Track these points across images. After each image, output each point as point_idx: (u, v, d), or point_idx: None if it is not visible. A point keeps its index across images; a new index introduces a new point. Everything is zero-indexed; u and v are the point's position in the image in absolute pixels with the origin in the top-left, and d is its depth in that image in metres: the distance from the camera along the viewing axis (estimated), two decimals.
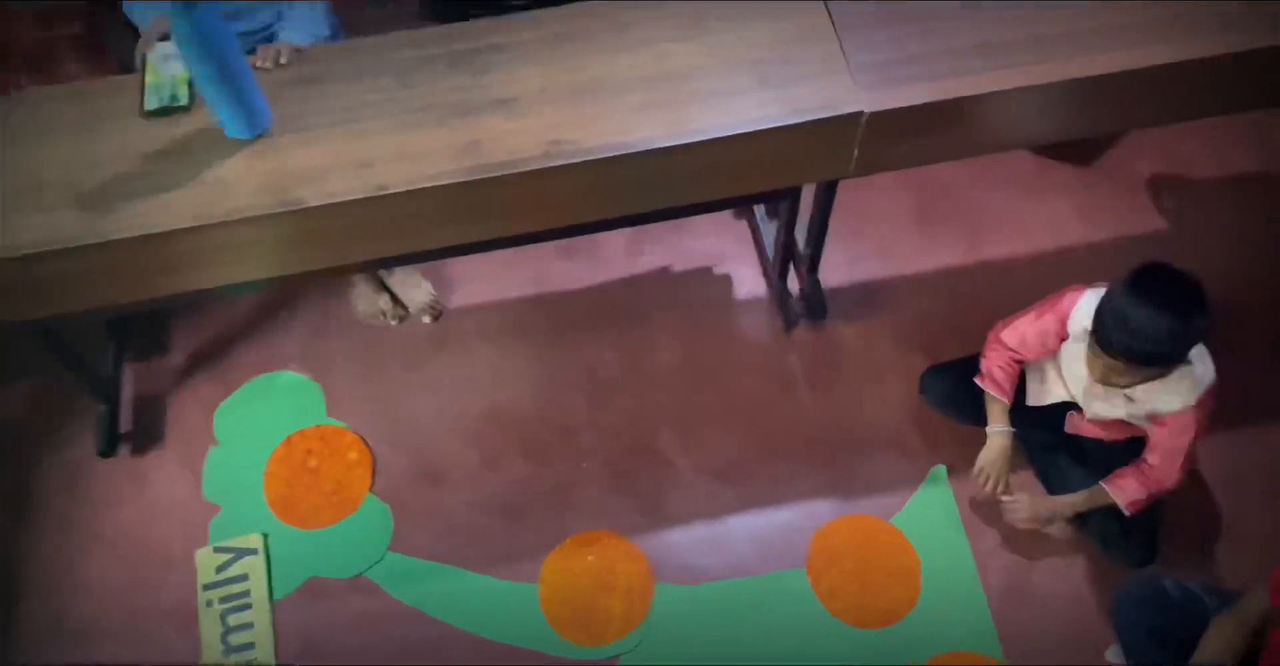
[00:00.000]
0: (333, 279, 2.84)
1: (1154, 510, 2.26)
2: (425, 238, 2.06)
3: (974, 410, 2.42)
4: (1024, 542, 2.49)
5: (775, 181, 2.20)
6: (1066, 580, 2.43)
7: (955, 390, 2.49)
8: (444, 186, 1.86)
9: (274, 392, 2.74)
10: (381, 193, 1.84)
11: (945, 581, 2.43)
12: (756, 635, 2.36)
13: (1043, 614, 2.39)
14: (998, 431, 2.32)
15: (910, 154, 2.12)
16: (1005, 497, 2.34)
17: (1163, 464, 2.13)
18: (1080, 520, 2.38)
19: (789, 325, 2.84)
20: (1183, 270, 1.92)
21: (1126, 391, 2.08)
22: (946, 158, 2.31)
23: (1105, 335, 1.92)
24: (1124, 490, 2.17)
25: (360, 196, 1.84)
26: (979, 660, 2.31)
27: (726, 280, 2.93)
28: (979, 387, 2.35)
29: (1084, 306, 2.10)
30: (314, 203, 1.84)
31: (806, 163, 2.09)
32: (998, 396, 2.31)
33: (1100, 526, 2.33)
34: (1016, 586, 2.43)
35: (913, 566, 2.45)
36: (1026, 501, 2.33)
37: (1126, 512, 2.19)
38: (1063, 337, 2.18)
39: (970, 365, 2.43)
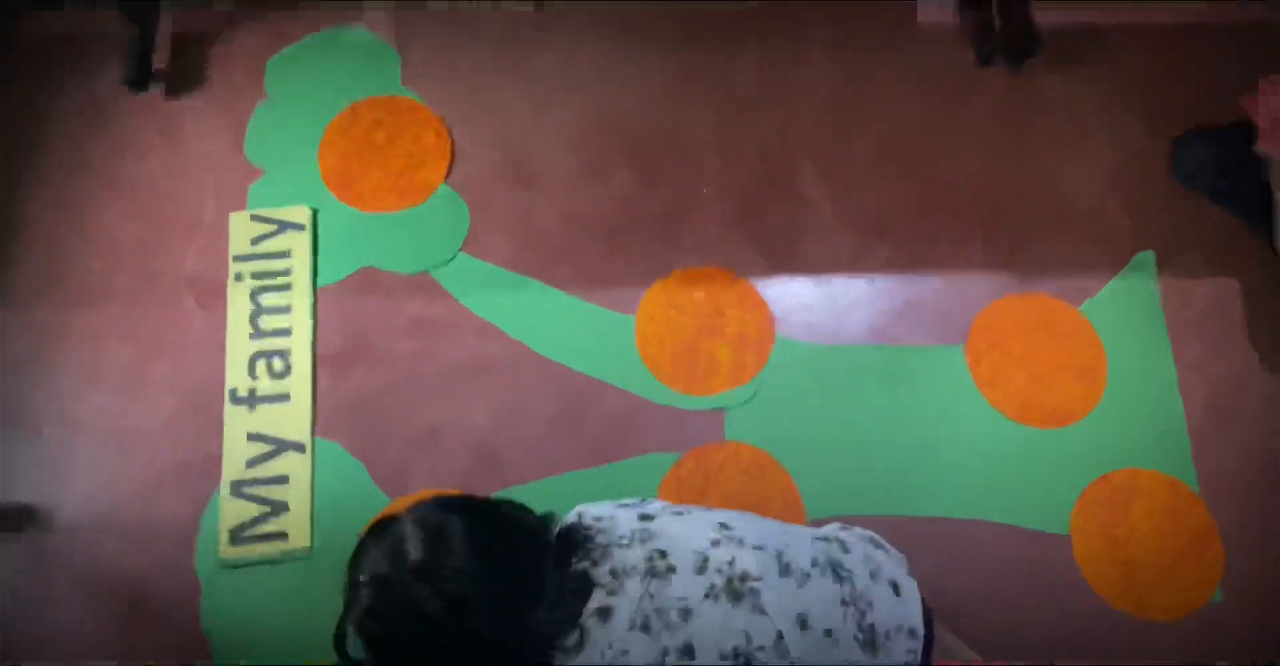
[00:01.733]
0: None
1: None
2: None
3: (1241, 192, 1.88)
4: (1239, 356, 2.01)
5: None
6: None
7: (1218, 161, 1.94)
8: None
9: (340, 50, 2.22)
10: None
11: (1136, 386, 1.96)
12: (890, 413, 1.93)
13: (1247, 445, 1.94)
14: None
15: None
16: None
17: None
18: None
19: (982, 61, 2.25)
20: None
21: None
22: None
23: None
24: None
25: None
26: (1164, 481, 1.88)
27: None
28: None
29: None
30: None
31: None
32: None
33: None
34: (1223, 407, 1.96)
35: (1097, 363, 1.98)
36: None
37: None
38: None
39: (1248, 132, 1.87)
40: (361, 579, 1.05)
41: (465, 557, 1.01)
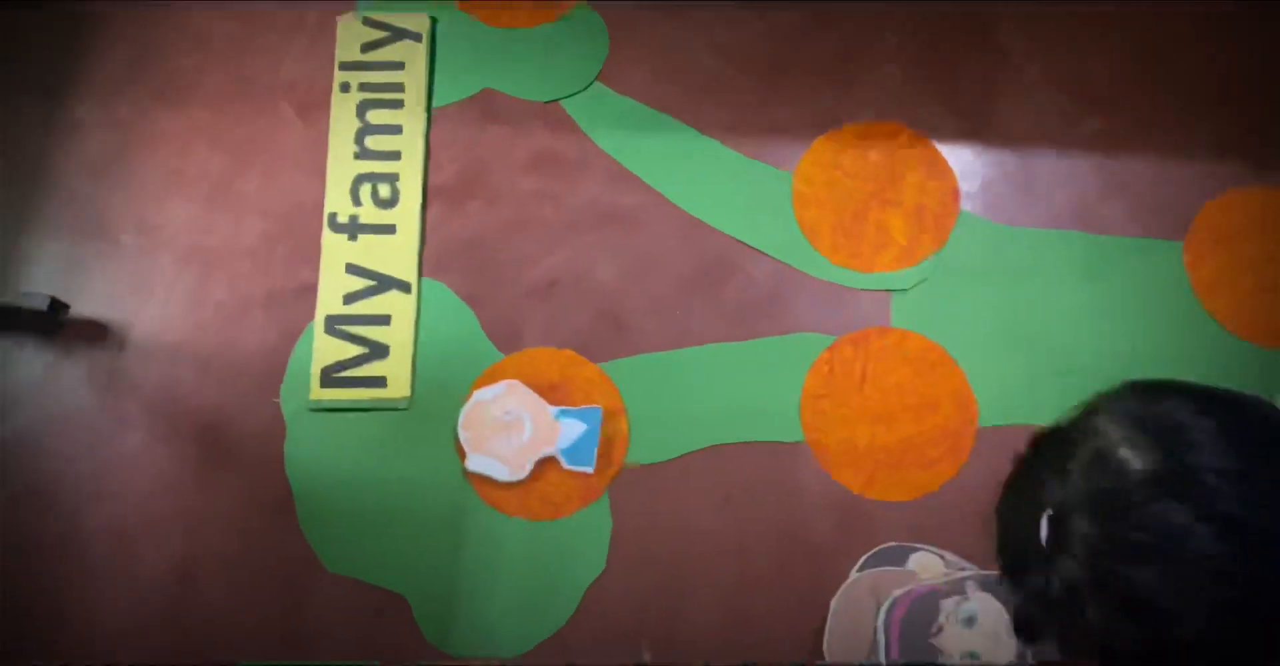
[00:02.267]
0: None
1: None
2: None
3: None
4: None
5: None
6: None
7: None
8: None
9: None
10: None
11: None
12: (1086, 312, 1.64)
13: None
14: None
15: None
16: None
17: None
18: None
19: None
20: None
21: None
22: None
23: None
24: None
25: None
26: None
27: None
28: None
29: None
30: None
31: None
32: None
33: None
34: None
35: None
36: None
37: None
38: None
39: None
40: (1051, 513, 0.68)
41: (1230, 465, 0.62)
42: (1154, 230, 1.69)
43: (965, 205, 1.70)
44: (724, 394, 1.61)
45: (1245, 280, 1.65)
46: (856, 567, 1.51)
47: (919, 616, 1.37)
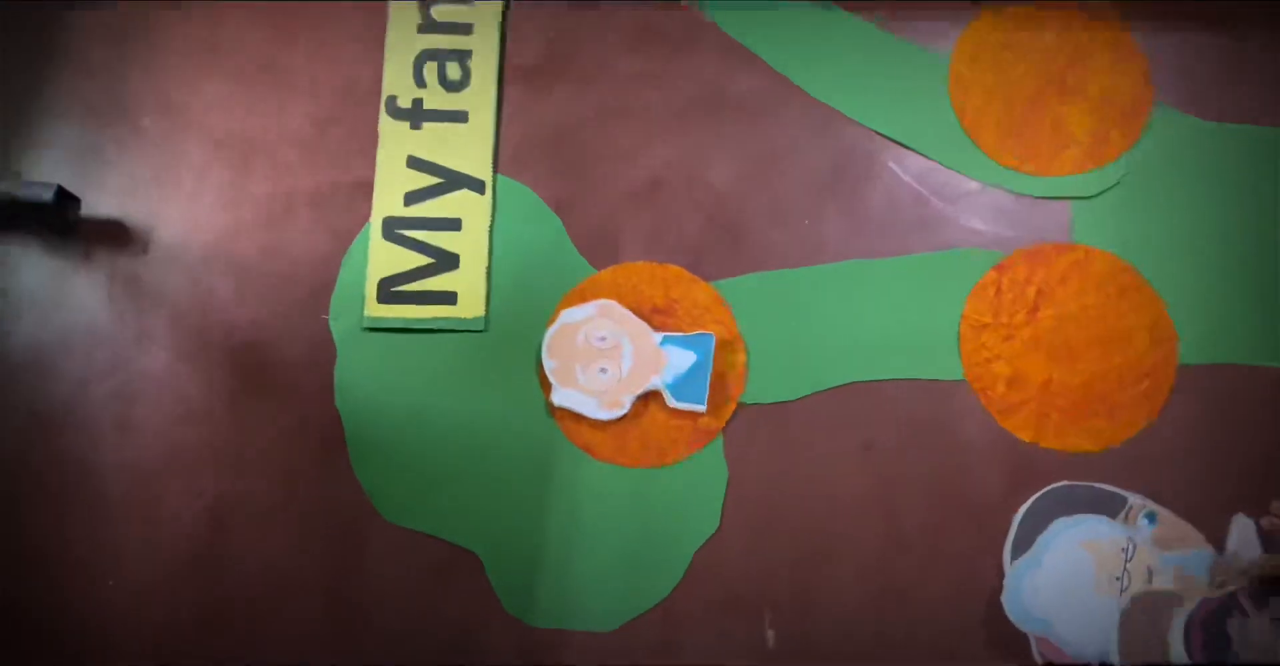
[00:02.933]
0: None
1: None
2: None
3: None
4: None
5: None
6: None
7: None
8: None
9: None
10: None
11: None
12: None
13: None
14: None
15: None
16: None
17: None
18: None
19: None
20: None
21: None
22: None
23: None
24: None
25: None
26: None
27: None
28: None
29: None
30: None
31: None
32: None
33: None
34: None
35: None
36: None
37: None
38: None
39: None
40: None
41: None
42: None
43: (1161, 97, 1.38)
44: (864, 321, 1.32)
45: None
46: (1020, 514, 1.24)
47: (1215, 636, 1.16)
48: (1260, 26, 1.41)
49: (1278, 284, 1.31)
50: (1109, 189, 1.35)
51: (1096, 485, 1.26)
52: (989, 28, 1.41)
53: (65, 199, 1.31)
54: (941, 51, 1.41)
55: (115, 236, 1.36)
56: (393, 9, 1.43)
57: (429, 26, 1.42)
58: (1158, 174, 1.35)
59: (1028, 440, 1.27)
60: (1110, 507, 1.26)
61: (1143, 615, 1.20)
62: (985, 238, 1.34)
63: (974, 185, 1.36)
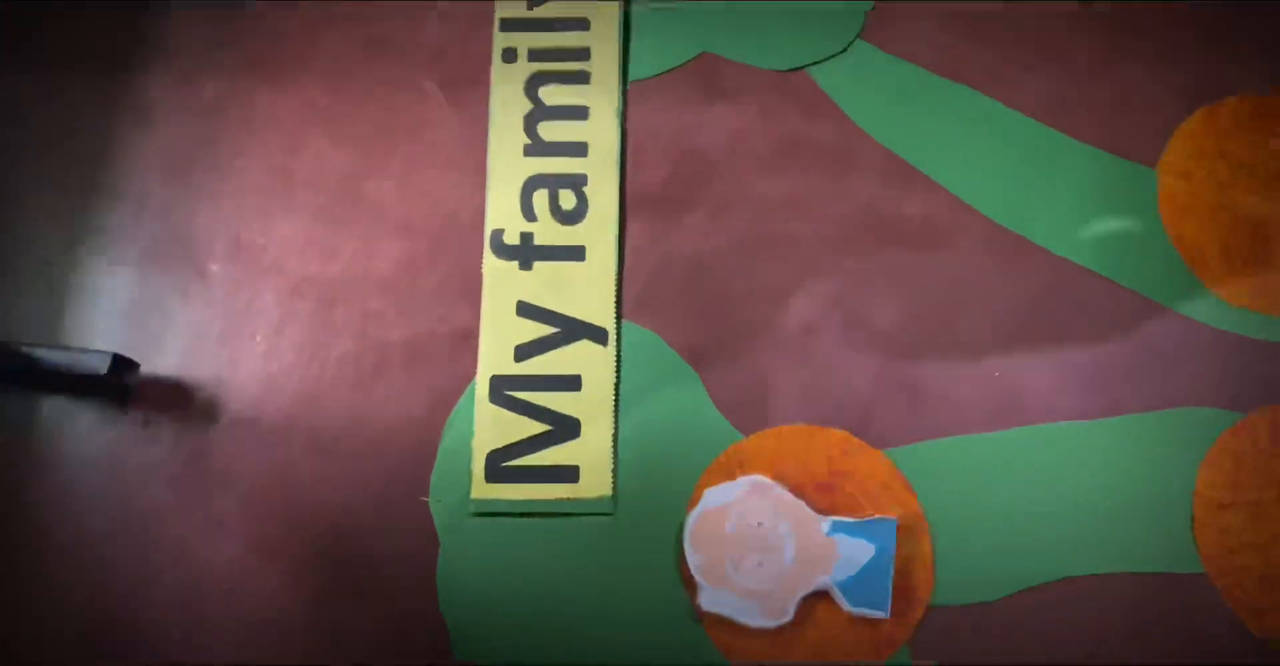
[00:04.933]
0: None
1: None
2: None
3: None
4: None
5: None
6: None
7: None
8: None
9: None
10: None
11: None
12: None
13: None
14: None
15: None
16: None
17: None
18: None
19: None
20: None
21: None
22: None
23: None
24: None
25: None
26: None
27: None
28: None
29: None
30: None
31: None
32: None
33: None
34: None
35: None
36: None
37: None
38: None
39: None
40: None
41: None
42: None
43: None
44: (1077, 498, 1.09)
45: None
46: None
47: None
48: None
49: None
50: None
51: None
52: (1201, 132, 1.19)
53: (122, 365, 1.12)
54: (1147, 163, 1.19)
55: (178, 403, 1.16)
56: (493, 126, 1.23)
57: (537, 147, 1.22)
58: None
59: None
60: None
61: None
62: (1215, 394, 1.11)
63: (1199, 327, 1.13)
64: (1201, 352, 1.13)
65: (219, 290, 1.20)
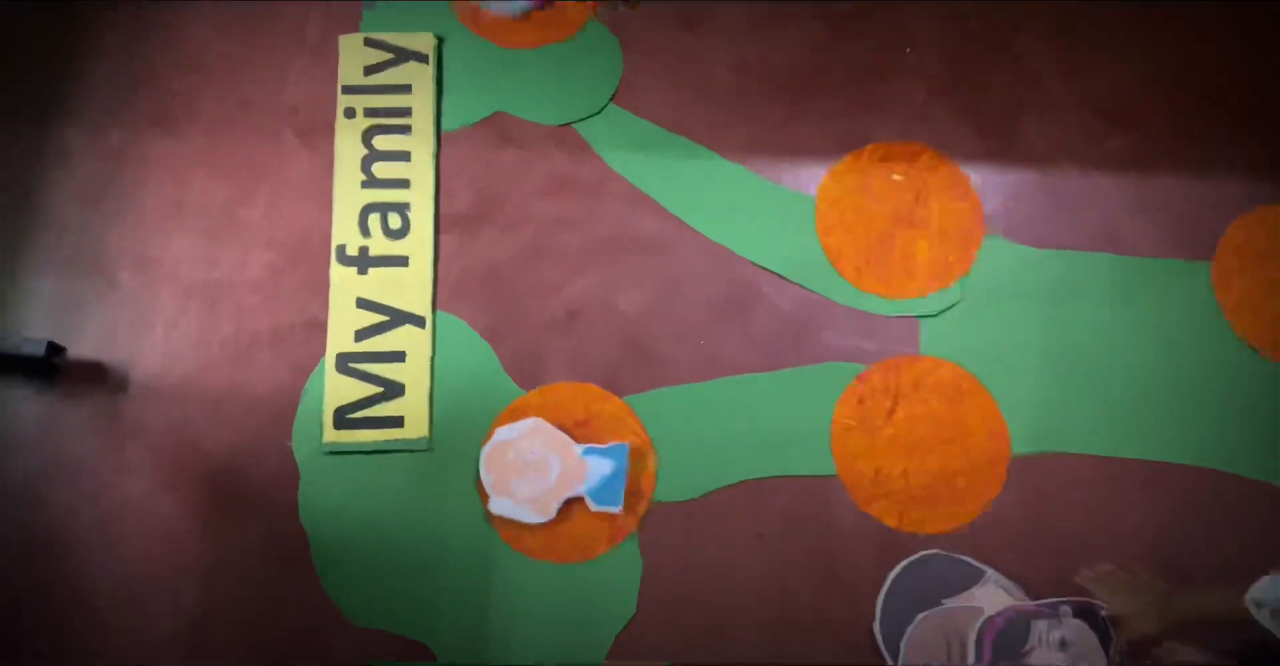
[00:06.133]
0: None
1: None
2: None
3: None
4: None
5: None
6: None
7: None
8: None
9: None
10: None
11: None
12: (1117, 335, 1.60)
13: None
14: None
15: None
16: None
17: None
18: None
19: None
20: None
21: None
22: None
23: None
24: None
25: None
26: None
27: None
28: None
29: None
30: None
31: None
32: None
33: None
34: None
35: None
36: None
37: None
38: None
39: None
40: None
41: None
42: (1183, 250, 1.66)
43: (991, 227, 1.67)
44: (753, 426, 1.57)
45: (1273, 302, 1.63)
46: (892, 576, 1.50)
47: (1011, 637, 1.43)
48: (1069, 163, 1.71)
49: (1091, 383, 1.60)
50: (950, 308, 1.62)
51: (954, 555, 1.52)
52: (847, 171, 1.68)
53: (53, 349, 1.49)
54: (809, 193, 1.68)
55: (97, 377, 1.54)
56: (338, 166, 1.64)
57: (371, 182, 1.63)
58: (989, 293, 1.63)
59: (891, 526, 1.53)
60: (968, 577, 1.51)
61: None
62: (849, 353, 1.60)
63: (838, 308, 1.62)
64: (841, 323, 1.62)
65: (127, 292, 1.58)
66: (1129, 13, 1.78)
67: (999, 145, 1.71)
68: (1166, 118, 1.73)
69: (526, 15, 1.73)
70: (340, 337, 1.57)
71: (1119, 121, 1.73)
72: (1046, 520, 1.54)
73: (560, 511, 1.50)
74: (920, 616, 1.43)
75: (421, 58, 1.69)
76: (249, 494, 1.52)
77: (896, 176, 1.68)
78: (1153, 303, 1.64)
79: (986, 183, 1.69)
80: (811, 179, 1.69)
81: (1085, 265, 1.65)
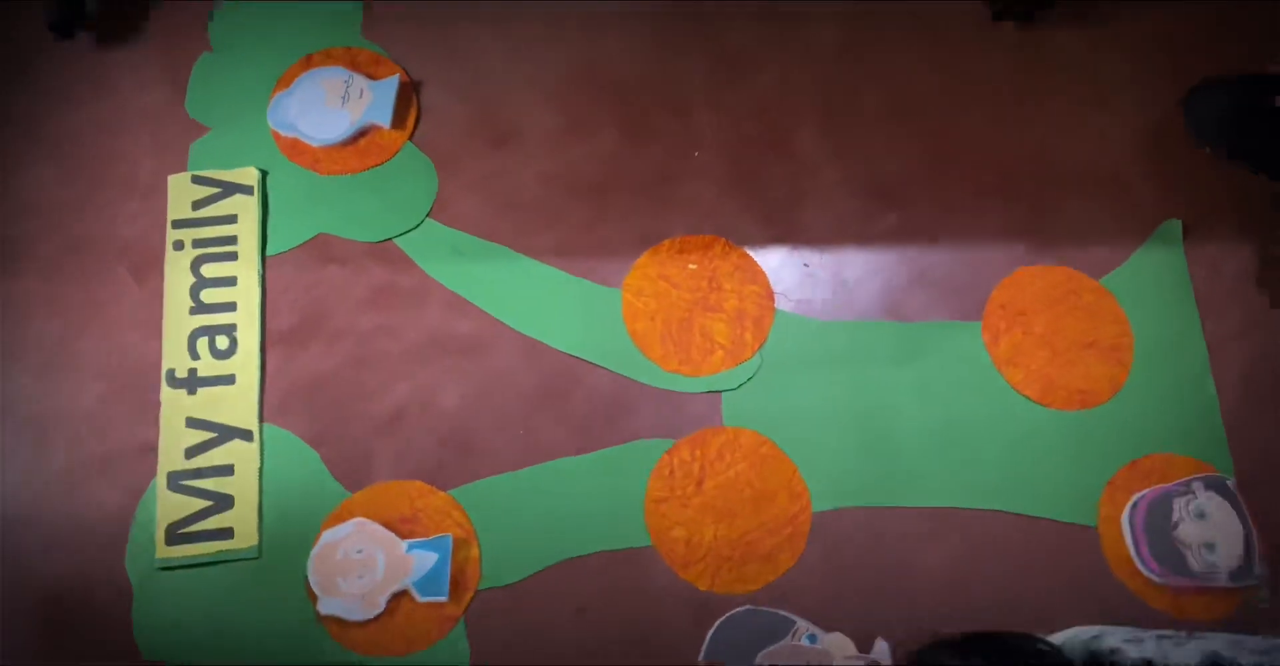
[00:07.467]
0: None
1: None
2: None
3: (1259, 146, 1.74)
4: (1275, 331, 1.86)
5: None
6: None
7: (1234, 113, 1.79)
8: None
9: None
10: None
11: (1164, 365, 1.81)
12: (902, 396, 1.76)
13: None
14: None
15: None
16: None
17: None
18: None
19: (996, 14, 2.08)
20: None
21: None
22: None
23: None
24: None
25: None
26: (1195, 467, 1.73)
27: None
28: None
29: None
30: None
31: None
32: None
33: None
34: (1259, 386, 1.81)
35: (1123, 340, 1.82)
36: None
37: None
38: None
39: (1266, 82, 1.72)
40: None
41: None
42: (955, 313, 1.84)
43: (780, 305, 1.82)
44: (571, 507, 1.66)
45: (1039, 352, 1.80)
46: (710, 634, 1.58)
47: (1158, 514, 1.64)
48: (848, 242, 1.89)
49: (880, 439, 1.73)
50: (748, 380, 1.76)
51: (766, 609, 1.61)
52: (649, 264, 1.84)
53: None
54: (616, 286, 1.83)
55: None
56: (168, 296, 1.75)
57: (199, 308, 1.74)
58: (782, 365, 1.78)
59: (704, 588, 1.62)
60: (783, 629, 1.60)
61: None
62: (659, 429, 1.72)
63: (647, 389, 1.75)
64: (649, 403, 1.74)
65: None
66: (893, 101, 2.01)
67: (784, 231, 1.89)
68: (930, 196, 1.93)
69: (344, 145, 1.89)
70: (171, 457, 1.64)
71: (889, 202, 1.93)
72: (849, 569, 1.65)
73: (389, 606, 1.57)
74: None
75: (246, 190, 1.83)
76: (84, 619, 1.56)
77: (692, 266, 1.85)
78: (932, 363, 1.80)
79: (775, 265, 1.86)
80: (617, 273, 1.84)
81: (869, 333, 1.81)
